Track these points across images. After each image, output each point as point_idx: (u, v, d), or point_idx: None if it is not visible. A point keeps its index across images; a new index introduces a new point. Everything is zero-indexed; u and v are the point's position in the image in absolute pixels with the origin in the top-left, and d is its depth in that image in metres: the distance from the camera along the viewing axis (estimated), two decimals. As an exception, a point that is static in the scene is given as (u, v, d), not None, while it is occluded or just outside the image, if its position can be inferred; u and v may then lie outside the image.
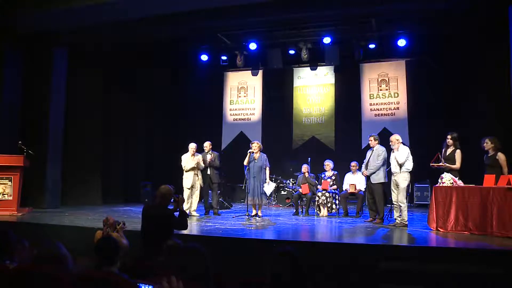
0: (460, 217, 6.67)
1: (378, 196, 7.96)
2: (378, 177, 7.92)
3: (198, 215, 9.06)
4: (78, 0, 8.82)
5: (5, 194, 8.53)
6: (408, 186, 7.52)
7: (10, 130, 9.76)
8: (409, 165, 7.44)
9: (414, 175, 8.62)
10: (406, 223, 7.41)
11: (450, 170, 7.18)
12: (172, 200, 4.91)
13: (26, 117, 10.18)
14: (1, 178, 8.54)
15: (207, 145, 9.52)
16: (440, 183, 7.02)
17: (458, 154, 7.28)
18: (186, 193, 8.96)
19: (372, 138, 8.24)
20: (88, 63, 11.35)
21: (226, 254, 5.50)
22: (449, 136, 7.47)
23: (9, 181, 8.57)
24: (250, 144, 9.04)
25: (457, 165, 7.25)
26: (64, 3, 8.93)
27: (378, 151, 8.04)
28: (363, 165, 8.32)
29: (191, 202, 9.01)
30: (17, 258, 3.25)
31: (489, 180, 6.69)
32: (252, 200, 8.82)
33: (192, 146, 9.20)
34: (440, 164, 7.31)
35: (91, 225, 6.90)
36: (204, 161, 9.25)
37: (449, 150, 7.41)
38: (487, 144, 7.24)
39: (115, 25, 9.76)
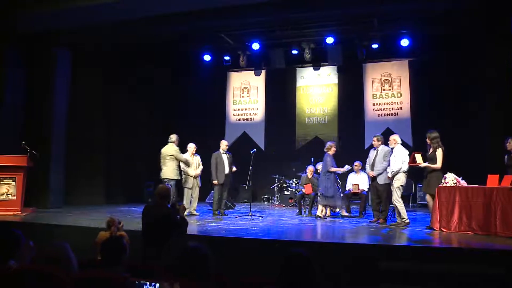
0: (464, 217, 6.66)
1: (383, 196, 7.95)
2: (385, 178, 7.88)
3: (199, 214, 9.10)
4: (80, 0, 8.83)
5: (9, 194, 8.57)
6: (402, 186, 7.54)
7: (13, 130, 9.78)
8: (403, 166, 7.44)
9: (418, 175, 8.62)
10: (408, 221, 7.40)
11: (433, 170, 7.16)
12: (174, 205, 4.92)
13: (29, 117, 10.21)
14: (5, 178, 8.58)
15: (227, 144, 9.47)
16: (443, 183, 7.00)
17: (439, 153, 7.19)
18: (187, 193, 9.05)
19: (375, 139, 8.22)
20: (91, 63, 11.37)
21: (228, 254, 5.50)
22: (426, 136, 7.43)
23: (13, 181, 8.60)
24: (332, 145, 8.93)
25: (438, 164, 7.16)
26: (65, 3, 8.94)
27: (383, 151, 8.01)
28: (367, 165, 8.29)
29: (191, 202, 9.06)
30: (21, 258, 3.26)
31: (492, 180, 6.67)
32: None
33: (191, 146, 9.24)
34: (417, 163, 7.26)
35: (94, 225, 6.92)
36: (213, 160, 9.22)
37: (431, 150, 7.36)
38: (510, 144, 7.13)
39: (117, 25, 9.75)
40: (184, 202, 8.89)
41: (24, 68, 10.23)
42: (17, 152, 8.75)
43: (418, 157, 7.28)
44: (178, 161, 8.80)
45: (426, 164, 7.25)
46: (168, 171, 8.68)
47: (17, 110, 10.06)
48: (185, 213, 8.53)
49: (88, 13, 9.09)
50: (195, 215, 9.01)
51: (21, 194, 8.64)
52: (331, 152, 8.80)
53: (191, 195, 9.13)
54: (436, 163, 7.17)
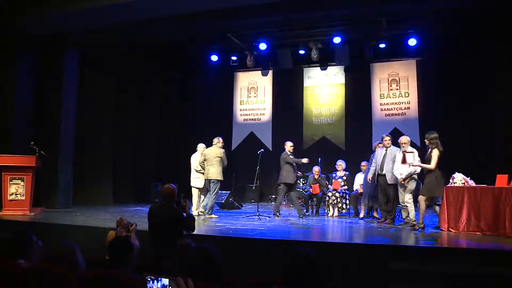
0: (472, 218, 6.61)
1: (392, 196, 7.91)
2: (394, 178, 7.82)
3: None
4: (90, 1, 8.87)
5: (18, 194, 8.62)
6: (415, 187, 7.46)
7: (22, 131, 9.85)
8: (418, 168, 7.36)
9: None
10: (415, 223, 7.35)
11: (428, 171, 7.03)
12: (179, 202, 4.91)
13: (38, 117, 10.27)
14: (14, 178, 8.63)
15: (291, 145, 9.43)
16: (451, 183, 6.95)
17: (434, 153, 6.98)
18: (195, 192, 9.08)
19: (388, 138, 8.14)
20: (99, 65, 11.43)
21: (236, 254, 5.50)
22: (425, 136, 7.27)
23: (21, 181, 8.66)
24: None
25: (432, 165, 6.93)
26: (75, 4, 8.98)
27: (393, 152, 7.95)
28: (376, 166, 8.21)
29: (199, 202, 9.09)
30: (30, 258, 3.29)
31: (501, 180, 6.62)
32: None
33: (201, 146, 9.26)
34: (407, 163, 7.17)
35: (102, 225, 6.96)
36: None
37: (429, 151, 7.17)
38: None
39: (125, 26, 9.80)
40: (195, 202, 9.01)
41: (34, 69, 10.30)
42: (26, 152, 8.82)
43: (409, 156, 7.16)
44: (222, 162, 8.87)
45: (418, 163, 7.12)
46: (216, 172, 8.74)
47: (26, 110, 10.12)
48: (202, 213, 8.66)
49: (100, 15, 9.14)
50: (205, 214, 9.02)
51: (30, 194, 8.69)
52: None
53: (201, 194, 9.16)
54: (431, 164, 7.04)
